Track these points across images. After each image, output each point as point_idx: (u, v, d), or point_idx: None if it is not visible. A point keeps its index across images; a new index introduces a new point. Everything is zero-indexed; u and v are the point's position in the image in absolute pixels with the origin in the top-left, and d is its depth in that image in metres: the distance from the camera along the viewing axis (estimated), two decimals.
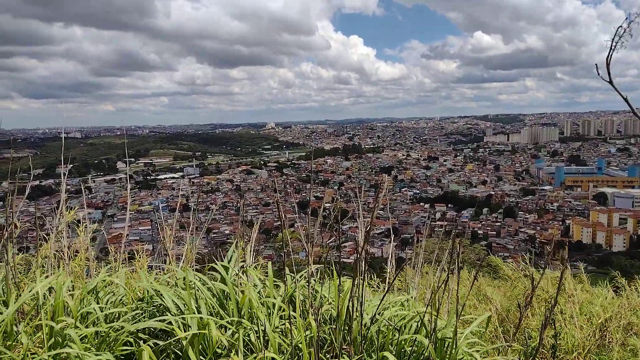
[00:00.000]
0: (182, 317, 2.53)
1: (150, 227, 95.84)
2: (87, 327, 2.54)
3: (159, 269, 3.93)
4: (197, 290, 2.81)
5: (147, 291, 2.87)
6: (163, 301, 2.71)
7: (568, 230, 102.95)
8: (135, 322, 2.56)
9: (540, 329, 1.83)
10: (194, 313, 2.51)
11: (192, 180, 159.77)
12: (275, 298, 2.74)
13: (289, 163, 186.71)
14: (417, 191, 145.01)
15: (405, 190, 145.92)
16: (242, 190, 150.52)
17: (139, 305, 2.81)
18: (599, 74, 2.63)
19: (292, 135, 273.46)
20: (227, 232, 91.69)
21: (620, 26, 2.46)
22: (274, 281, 3.06)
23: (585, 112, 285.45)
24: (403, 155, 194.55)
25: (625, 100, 2.78)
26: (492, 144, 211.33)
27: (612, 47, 2.50)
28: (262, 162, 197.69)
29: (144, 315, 2.78)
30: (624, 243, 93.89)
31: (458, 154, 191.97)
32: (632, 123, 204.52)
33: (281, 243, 3.16)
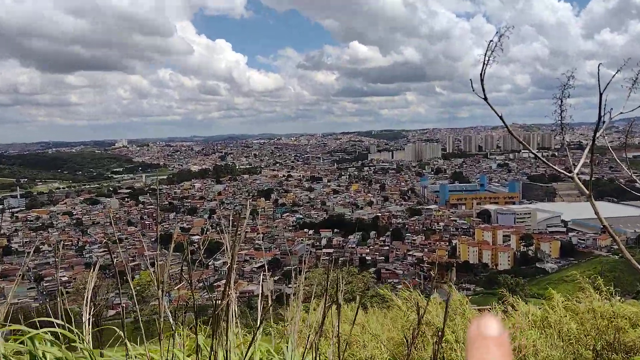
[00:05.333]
0: None
1: None
2: None
3: None
4: None
5: None
6: None
7: (455, 251, 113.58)
8: None
9: None
10: None
11: (15, 214, 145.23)
12: None
13: (146, 189, 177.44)
14: (301, 216, 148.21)
15: (288, 215, 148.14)
16: (85, 224, 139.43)
17: None
18: (473, 90, 2.93)
19: (150, 155, 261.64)
20: (64, 278, 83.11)
21: (492, 40, 2.78)
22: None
23: (465, 127, 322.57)
24: (284, 175, 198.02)
25: (501, 118, 3.14)
26: (377, 162, 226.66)
27: (486, 62, 2.80)
28: (111, 189, 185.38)
29: None
30: (509, 260, 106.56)
31: (342, 173, 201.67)
32: (510, 138, 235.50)
33: (137, 288, 2.96)
